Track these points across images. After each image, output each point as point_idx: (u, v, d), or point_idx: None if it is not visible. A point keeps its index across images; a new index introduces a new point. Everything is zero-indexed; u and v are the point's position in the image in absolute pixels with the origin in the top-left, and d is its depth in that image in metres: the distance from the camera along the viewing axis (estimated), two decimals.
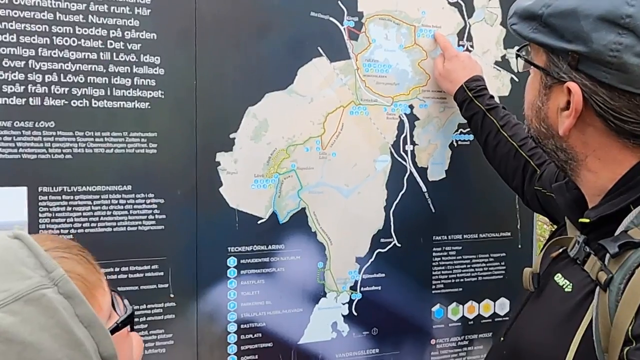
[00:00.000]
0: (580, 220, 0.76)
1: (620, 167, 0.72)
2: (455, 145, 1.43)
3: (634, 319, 0.63)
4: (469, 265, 1.47)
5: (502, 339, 0.88)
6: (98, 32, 1.09)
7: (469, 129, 1.38)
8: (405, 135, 1.38)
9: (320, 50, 1.28)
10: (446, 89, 1.37)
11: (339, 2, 1.29)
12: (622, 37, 0.65)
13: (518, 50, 0.82)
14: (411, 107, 1.38)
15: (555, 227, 0.92)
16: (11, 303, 0.49)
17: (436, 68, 1.37)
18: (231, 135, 1.21)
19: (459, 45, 1.41)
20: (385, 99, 1.35)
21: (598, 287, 0.68)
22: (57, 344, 0.50)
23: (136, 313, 1.14)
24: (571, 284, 0.75)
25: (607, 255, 0.68)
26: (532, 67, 0.78)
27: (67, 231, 1.09)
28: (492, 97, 1.30)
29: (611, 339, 0.65)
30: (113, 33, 1.10)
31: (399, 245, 1.39)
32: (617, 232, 0.69)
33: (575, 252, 0.76)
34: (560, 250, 0.82)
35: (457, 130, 1.43)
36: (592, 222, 0.73)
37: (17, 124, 1.05)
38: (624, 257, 0.66)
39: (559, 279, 0.78)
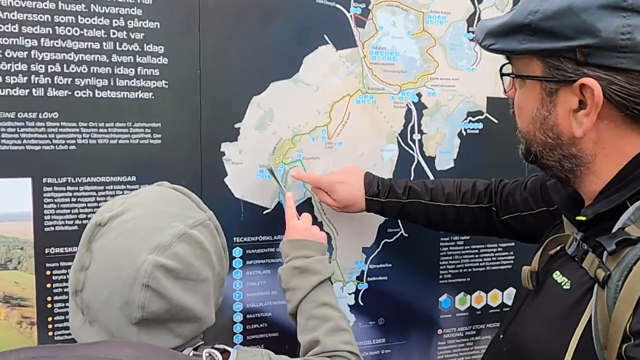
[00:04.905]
0: (577, 218, 0.76)
1: (624, 161, 0.72)
2: (464, 134, 1.41)
3: (631, 315, 0.63)
4: (476, 255, 1.46)
5: (501, 336, 0.88)
6: (101, 21, 1.08)
7: (478, 118, 1.36)
8: (413, 124, 1.36)
9: (327, 38, 1.26)
10: (356, 211, 1.23)
11: None
12: (628, 18, 0.65)
13: (502, 71, 0.80)
14: (419, 95, 1.36)
15: (554, 221, 0.91)
16: (198, 225, 0.78)
17: (330, 205, 1.23)
18: (236, 125, 1.20)
19: (468, 32, 1.38)
20: (392, 87, 1.33)
21: (596, 285, 0.69)
22: (216, 257, 0.80)
23: None
24: (570, 282, 0.75)
25: (605, 253, 0.68)
26: (525, 80, 0.75)
27: (71, 222, 1.09)
28: (396, 182, 1.21)
29: (610, 335, 0.65)
30: (116, 22, 1.09)
31: (406, 235, 1.38)
32: (614, 229, 0.69)
33: (573, 249, 0.77)
34: (558, 248, 0.82)
35: (465, 119, 1.41)
36: (589, 219, 0.74)
37: (20, 115, 1.05)
38: (622, 254, 0.66)
39: (557, 276, 0.78)
